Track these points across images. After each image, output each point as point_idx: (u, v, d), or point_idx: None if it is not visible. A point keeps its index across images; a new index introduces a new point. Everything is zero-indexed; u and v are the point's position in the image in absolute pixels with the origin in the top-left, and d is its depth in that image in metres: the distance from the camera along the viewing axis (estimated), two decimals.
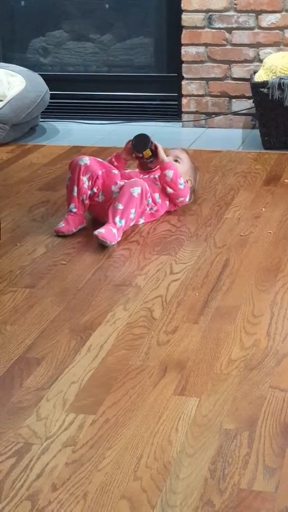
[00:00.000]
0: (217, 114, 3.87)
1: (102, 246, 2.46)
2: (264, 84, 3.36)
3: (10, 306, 2.09)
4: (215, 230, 2.58)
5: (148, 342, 1.90)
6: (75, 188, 2.58)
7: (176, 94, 3.95)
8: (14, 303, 2.11)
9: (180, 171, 2.68)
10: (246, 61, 3.78)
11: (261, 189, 2.97)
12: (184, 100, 3.90)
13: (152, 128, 3.80)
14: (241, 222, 2.65)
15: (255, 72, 3.58)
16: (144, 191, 2.54)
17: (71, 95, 4.09)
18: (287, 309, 2.05)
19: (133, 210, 2.51)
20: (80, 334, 1.94)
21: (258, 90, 3.38)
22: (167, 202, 2.69)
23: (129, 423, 1.58)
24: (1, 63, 3.94)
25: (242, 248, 2.44)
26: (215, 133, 3.79)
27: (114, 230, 2.45)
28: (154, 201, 2.63)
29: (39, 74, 3.84)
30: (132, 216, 2.52)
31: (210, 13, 3.76)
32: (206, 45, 3.80)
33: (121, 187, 2.54)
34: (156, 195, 2.64)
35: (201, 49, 3.81)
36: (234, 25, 3.75)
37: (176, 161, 2.72)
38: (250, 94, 3.55)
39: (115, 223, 2.47)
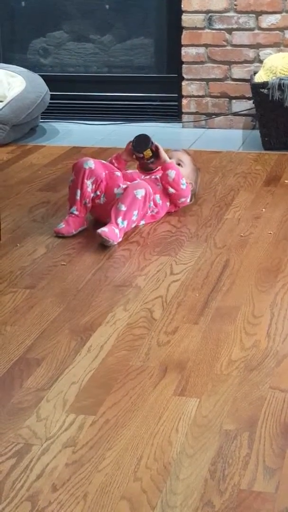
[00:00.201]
0: (217, 114, 3.87)
1: (102, 247, 2.46)
2: (264, 84, 3.36)
3: (10, 307, 2.09)
4: (215, 231, 2.58)
5: (148, 342, 1.90)
6: (78, 192, 2.57)
7: (176, 95, 3.95)
8: (14, 304, 2.11)
9: (182, 174, 2.68)
10: (246, 61, 3.78)
11: (261, 189, 2.97)
12: (184, 101, 3.90)
13: (152, 129, 3.80)
14: (241, 223, 2.65)
15: (255, 73, 3.58)
16: (148, 193, 2.55)
17: (71, 96, 4.09)
18: (287, 310, 2.05)
19: (135, 212, 2.51)
20: (80, 334, 1.94)
21: (258, 91, 3.38)
22: (168, 204, 2.69)
23: (129, 424, 1.58)
24: (1, 63, 3.94)
25: (242, 248, 2.44)
26: (215, 134, 3.79)
27: (117, 231, 2.45)
28: (154, 203, 2.63)
29: (39, 74, 3.84)
30: (134, 218, 2.52)
31: (210, 14, 3.76)
32: (206, 45, 3.81)
33: (124, 189, 2.54)
34: (157, 196, 2.64)
35: (201, 49, 3.82)
36: (234, 26, 3.75)
37: (178, 164, 2.72)
38: (250, 95, 3.55)
39: (117, 224, 2.47)
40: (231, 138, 3.70)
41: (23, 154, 3.48)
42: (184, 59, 3.85)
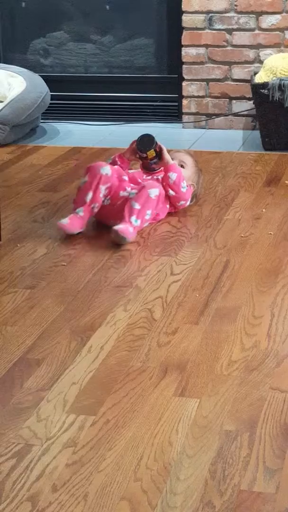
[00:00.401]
0: (217, 115, 3.87)
1: (103, 247, 2.46)
2: (264, 85, 3.36)
3: (11, 307, 2.09)
4: (215, 231, 2.58)
5: (148, 343, 1.90)
6: (90, 195, 2.55)
7: (177, 95, 3.95)
8: (14, 304, 2.11)
9: (184, 176, 2.68)
10: (246, 62, 3.78)
11: (261, 190, 2.97)
12: (184, 101, 3.90)
13: (153, 129, 3.80)
14: (241, 223, 2.65)
15: (255, 73, 3.58)
16: (161, 194, 2.56)
17: (72, 96, 4.09)
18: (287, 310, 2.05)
19: (149, 212, 2.52)
20: (80, 335, 1.94)
21: (259, 91, 3.38)
22: (168, 206, 2.69)
23: (130, 424, 1.58)
24: (2, 64, 3.94)
25: (242, 249, 2.44)
26: (216, 134, 3.79)
27: (131, 229, 2.45)
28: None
29: (39, 75, 3.84)
30: (147, 217, 2.52)
31: (210, 14, 3.76)
32: (206, 46, 3.81)
33: (139, 188, 2.53)
34: None
35: (202, 50, 3.82)
36: (235, 26, 3.75)
37: (181, 166, 2.72)
38: (251, 95, 3.55)
39: (131, 222, 2.47)
40: (231, 138, 3.70)
41: (24, 154, 3.48)
42: (184, 60, 3.85)
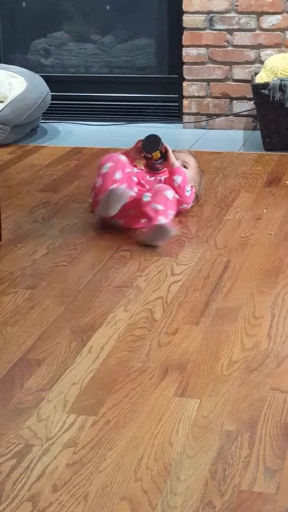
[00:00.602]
0: (218, 115, 3.87)
1: (103, 248, 2.46)
2: (265, 85, 3.36)
3: (11, 307, 2.09)
4: (216, 232, 2.58)
5: (149, 343, 1.90)
6: (119, 173, 2.52)
7: (177, 96, 3.95)
8: (15, 304, 2.11)
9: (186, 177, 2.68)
10: (247, 62, 3.78)
11: (262, 190, 2.97)
12: (185, 102, 3.90)
13: (153, 130, 3.79)
14: (242, 224, 2.65)
15: (256, 74, 3.58)
16: (174, 196, 2.55)
17: (72, 96, 4.10)
18: None
19: (171, 212, 2.50)
20: (81, 335, 1.94)
21: (259, 92, 3.38)
22: None
23: (130, 425, 1.59)
24: (2, 64, 3.94)
25: (243, 249, 2.44)
26: (216, 135, 3.79)
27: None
28: None
29: (40, 75, 3.84)
30: (170, 217, 2.49)
31: (211, 15, 3.76)
32: (207, 46, 3.81)
33: (153, 191, 2.51)
34: None
35: (202, 50, 3.82)
36: (235, 27, 3.75)
37: (184, 166, 2.72)
38: (251, 96, 3.55)
39: (158, 221, 2.43)
40: (232, 138, 3.70)
41: (24, 154, 3.48)
42: (185, 60, 3.85)
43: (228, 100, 3.85)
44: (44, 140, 3.71)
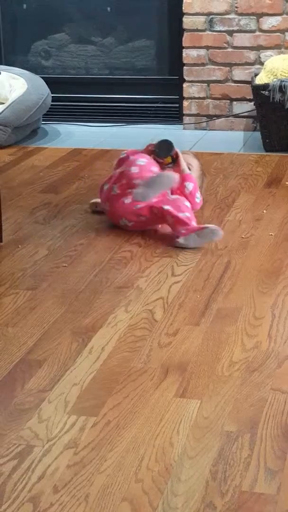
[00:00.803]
0: (218, 116, 3.87)
1: (104, 249, 2.46)
2: (265, 86, 3.37)
3: (12, 308, 2.09)
4: None
5: (149, 344, 1.90)
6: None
7: (178, 97, 3.95)
8: (15, 305, 2.11)
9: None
10: (247, 63, 3.79)
11: (262, 191, 2.97)
12: (185, 103, 3.91)
13: (154, 131, 3.81)
14: (242, 224, 2.65)
15: (256, 75, 3.58)
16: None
17: (73, 98, 4.10)
18: None
19: (190, 213, 2.51)
20: (81, 336, 1.94)
21: (259, 93, 3.38)
22: None
23: (131, 425, 1.59)
24: (3, 66, 3.94)
25: (243, 250, 2.44)
26: (216, 136, 3.80)
27: None
28: None
29: (41, 76, 3.85)
30: (190, 216, 2.51)
31: (211, 16, 3.77)
32: (207, 47, 3.81)
33: (171, 202, 2.52)
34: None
35: (202, 51, 3.82)
36: (235, 28, 3.76)
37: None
38: (251, 97, 3.55)
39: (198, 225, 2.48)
40: (232, 139, 3.70)
41: (25, 156, 3.48)
42: (185, 61, 3.85)
43: (228, 101, 3.86)
44: (44, 142, 3.72)
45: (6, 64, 4.03)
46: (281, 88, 3.33)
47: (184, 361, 1.82)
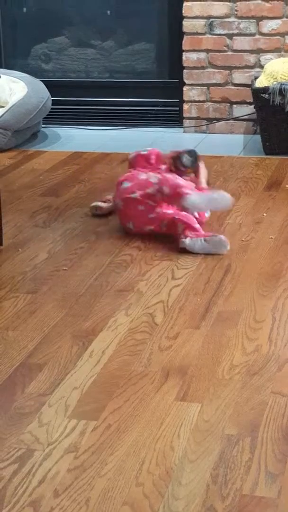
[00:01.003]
0: (218, 119, 3.88)
1: (104, 252, 2.46)
2: (265, 89, 3.37)
3: (12, 312, 2.09)
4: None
5: (150, 347, 1.90)
6: None
7: (178, 100, 3.96)
8: (16, 309, 2.11)
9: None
10: (247, 67, 3.79)
11: (262, 194, 2.97)
12: (185, 106, 3.91)
13: (154, 134, 3.81)
14: (242, 228, 2.65)
15: (256, 78, 3.59)
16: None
17: (73, 101, 4.10)
18: None
19: (199, 226, 2.53)
20: (82, 339, 1.94)
21: (259, 96, 3.38)
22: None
23: (131, 429, 1.58)
24: (3, 69, 3.95)
25: (243, 253, 2.44)
26: (216, 139, 3.80)
27: None
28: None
29: (41, 80, 3.85)
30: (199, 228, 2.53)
31: (211, 20, 3.77)
32: (207, 51, 3.81)
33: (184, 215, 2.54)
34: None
35: (202, 55, 3.82)
36: (235, 31, 3.76)
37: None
38: (251, 100, 3.56)
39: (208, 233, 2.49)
40: (232, 143, 3.70)
41: (25, 159, 3.49)
42: (185, 64, 3.86)
43: (228, 104, 3.86)
44: (45, 145, 3.72)
45: (6, 68, 4.03)
46: (281, 91, 3.34)
47: (185, 365, 1.82)
